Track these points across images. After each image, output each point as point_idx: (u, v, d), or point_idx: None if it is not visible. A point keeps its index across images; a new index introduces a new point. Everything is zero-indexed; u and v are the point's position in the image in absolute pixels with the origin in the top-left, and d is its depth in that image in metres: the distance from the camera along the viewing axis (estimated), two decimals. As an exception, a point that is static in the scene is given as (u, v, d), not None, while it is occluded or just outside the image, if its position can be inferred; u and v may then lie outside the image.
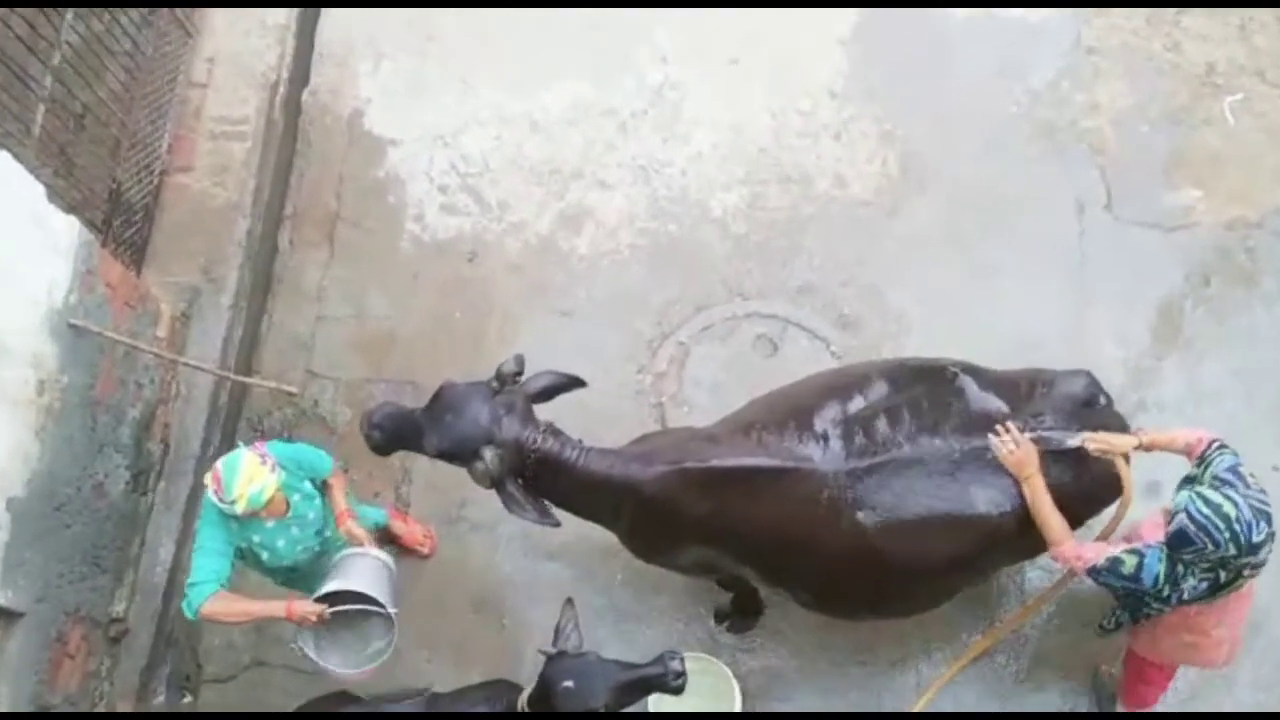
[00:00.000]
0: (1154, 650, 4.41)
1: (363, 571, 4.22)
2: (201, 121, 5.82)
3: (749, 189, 5.89)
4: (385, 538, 5.11)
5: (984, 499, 4.09)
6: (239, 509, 3.95)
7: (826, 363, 5.42)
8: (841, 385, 4.34)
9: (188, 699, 5.26)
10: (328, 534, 4.40)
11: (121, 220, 5.41)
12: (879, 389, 4.27)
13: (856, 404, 4.22)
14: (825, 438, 4.14)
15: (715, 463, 4.12)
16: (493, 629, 5.27)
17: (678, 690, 3.87)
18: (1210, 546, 3.73)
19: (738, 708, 4.80)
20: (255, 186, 5.75)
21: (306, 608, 4.11)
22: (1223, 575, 3.89)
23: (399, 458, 4.87)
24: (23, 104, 4.82)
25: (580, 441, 4.23)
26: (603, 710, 3.79)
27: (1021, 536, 4.15)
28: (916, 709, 4.92)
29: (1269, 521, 3.74)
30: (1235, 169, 5.77)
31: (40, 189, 4.50)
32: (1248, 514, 3.70)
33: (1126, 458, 4.08)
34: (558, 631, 4.00)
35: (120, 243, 5.37)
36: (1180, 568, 3.89)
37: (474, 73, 6.16)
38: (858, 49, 6.09)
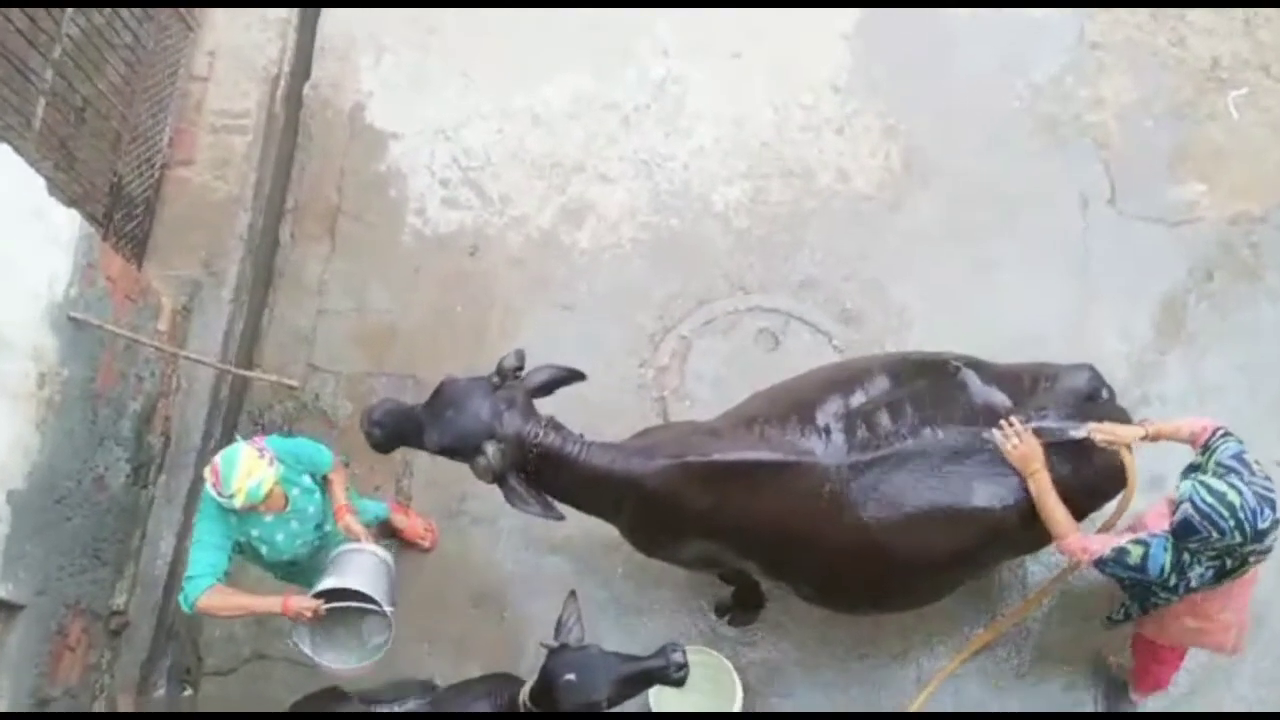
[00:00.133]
0: (1162, 634, 4.42)
1: (360, 568, 4.21)
2: (202, 115, 5.81)
3: (751, 183, 5.88)
4: (386, 531, 5.12)
5: (986, 493, 4.09)
6: (237, 503, 3.94)
7: (829, 357, 5.42)
8: (844, 379, 4.34)
9: (188, 692, 5.27)
10: (327, 528, 4.39)
11: (122, 214, 5.40)
12: (881, 383, 4.27)
13: (859, 398, 4.22)
14: (827, 431, 4.14)
15: (717, 457, 4.11)
16: (493, 622, 5.26)
17: (679, 682, 3.87)
18: (1215, 535, 3.73)
19: (739, 701, 4.80)
20: (256, 180, 5.74)
21: (303, 603, 4.10)
22: (1229, 563, 3.90)
23: (400, 452, 4.85)
24: (23, 97, 4.81)
25: (582, 436, 4.22)
26: (604, 703, 3.79)
27: (1024, 530, 4.15)
28: (918, 702, 4.92)
29: (1274, 508, 3.74)
30: (1239, 164, 5.77)
31: (41, 182, 4.49)
32: (1252, 501, 3.70)
33: (1130, 448, 4.08)
34: (559, 625, 4.00)
35: (121, 236, 5.37)
36: (1186, 557, 3.89)
37: (476, 66, 6.15)
38: (860, 43, 6.08)
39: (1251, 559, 3.88)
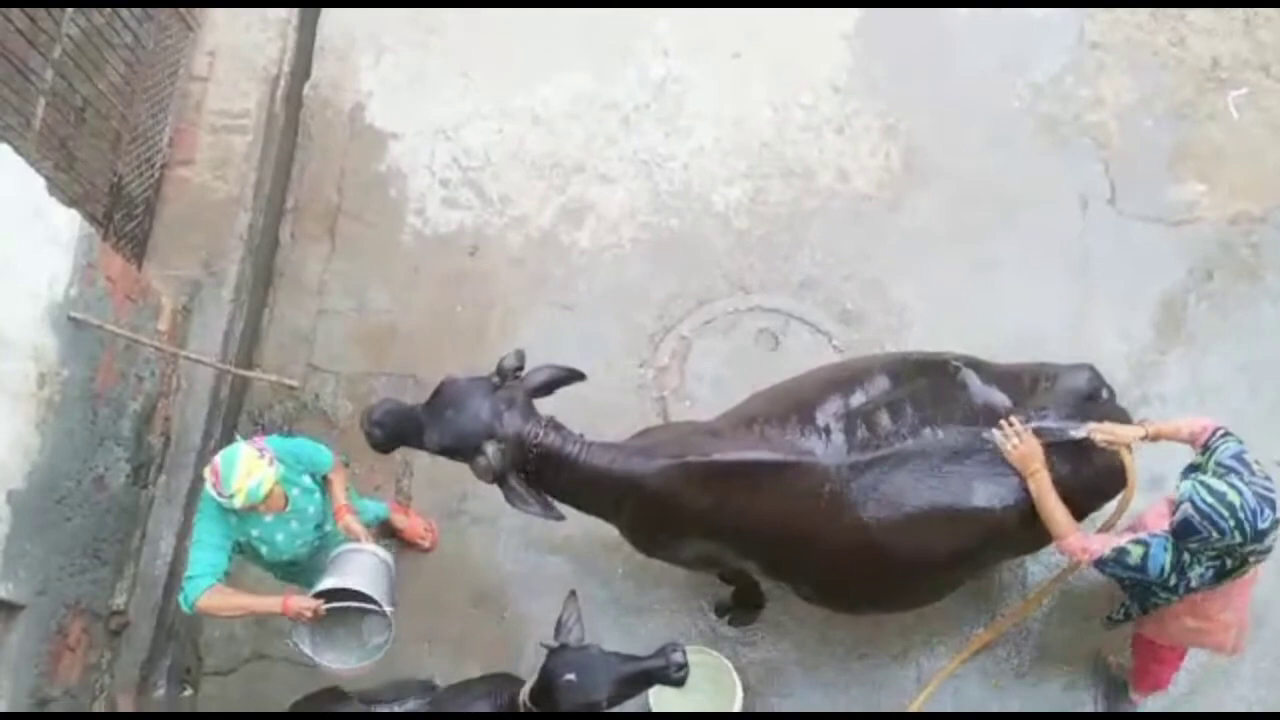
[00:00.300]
0: (1162, 634, 4.42)
1: (360, 568, 4.21)
2: (202, 115, 5.81)
3: (751, 183, 5.88)
4: (386, 531, 5.12)
5: (986, 493, 4.09)
6: (237, 503, 3.94)
7: (829, 357, 5.42)
8: (844, 379, 4.33)
9: (188, 692, 5.26)
10: (327, 528, 4.39)
11: (122, 214, 5.40)
12: (881, 383, 4.27)
13: (859, 398, 4.22)
14: (827, 431, 4.13)
15: (717, 456, 4.11)
16: (493, 622, 5.26)
17: (679, 682, 3.87)
18: (1215, 535, 3.73)
19: (739, 700, 4.80)
20: (256, 180, 5.74)
21: (303, 603, 4.09)
22: (1229, 563, 3.90)
23: (400, 452, 4.85)
24: (23, 97, 4.81)
25: (582, 436, 4.22)
26: (604, 703, 3.79)
27: (1024, 530, 4.15)
28: (918, 702, 4.92)
29: (1274, 508, 3.74)
30: (1239, 164, 5.77)
31: (41, 182, 4.48)
32: (1252, 501, 3.69)
33: (1130, 448, 4.08)
34: (559, 625, 4.00)
35: (121, 236, 5.36)
36: (1186, 557, 3.89)
37: (475, 66, 6.15)
38: (860, 43, 6.08)
39: (1251, 559, 3.88)
